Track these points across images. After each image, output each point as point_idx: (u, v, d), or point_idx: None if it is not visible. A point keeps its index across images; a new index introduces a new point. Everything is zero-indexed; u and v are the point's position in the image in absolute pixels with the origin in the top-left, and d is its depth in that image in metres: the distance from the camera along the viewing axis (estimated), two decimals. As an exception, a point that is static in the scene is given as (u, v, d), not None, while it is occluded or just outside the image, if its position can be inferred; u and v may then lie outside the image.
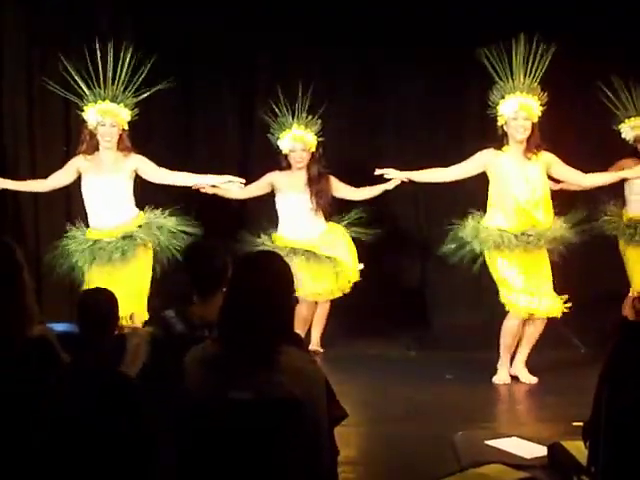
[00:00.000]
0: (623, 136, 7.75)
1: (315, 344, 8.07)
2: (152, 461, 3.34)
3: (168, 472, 3.22)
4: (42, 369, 3.50)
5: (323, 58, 8.57)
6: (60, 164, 7.53)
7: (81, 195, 7.33)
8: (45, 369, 3.51)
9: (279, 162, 7.90)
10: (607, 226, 7.70)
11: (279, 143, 7.84)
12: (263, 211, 8.08)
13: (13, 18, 8.19)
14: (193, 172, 7.48)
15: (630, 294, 7.68)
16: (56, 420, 3.40)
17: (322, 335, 8.13)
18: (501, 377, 7.04)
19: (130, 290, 6.93)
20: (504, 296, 6.97)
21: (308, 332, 8.05)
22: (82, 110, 7.27)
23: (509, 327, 7.01)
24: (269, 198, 7.96)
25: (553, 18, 7.85)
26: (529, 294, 6.91)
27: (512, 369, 7.09)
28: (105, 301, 4.20)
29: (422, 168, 7.31)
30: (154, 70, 7.33)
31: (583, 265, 7.45)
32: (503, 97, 6.93)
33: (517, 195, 6.88)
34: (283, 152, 7.85)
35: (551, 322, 7.08)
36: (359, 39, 8.51)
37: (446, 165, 7.17)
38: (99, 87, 7.21)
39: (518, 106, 6.86)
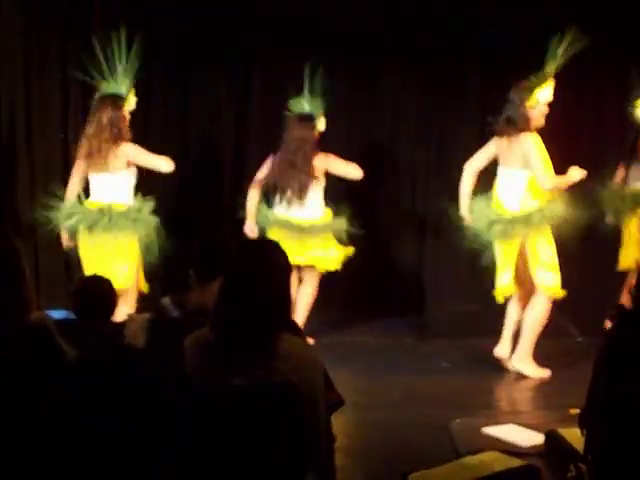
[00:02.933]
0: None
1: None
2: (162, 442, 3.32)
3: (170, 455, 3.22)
4: (40, 356, 3.50)
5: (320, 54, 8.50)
6: (57, 151, 7.49)
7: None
8: (43, 356, 3.51)
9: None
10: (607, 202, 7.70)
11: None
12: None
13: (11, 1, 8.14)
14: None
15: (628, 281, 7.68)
16: (64, 408, 3.37)
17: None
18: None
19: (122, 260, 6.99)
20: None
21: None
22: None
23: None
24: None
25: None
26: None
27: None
28: (103, 288, 4.19)
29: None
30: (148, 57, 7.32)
31: (579, 251, 7.41)
32: (540, 84, 6.90)
33: None
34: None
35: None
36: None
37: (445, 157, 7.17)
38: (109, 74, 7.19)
39: (550, 94, 6.91)
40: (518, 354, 6.93)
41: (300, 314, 7.77)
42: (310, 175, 7.56)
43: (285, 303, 3.43)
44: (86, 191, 7.22)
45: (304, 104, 7.71)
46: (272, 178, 7.68)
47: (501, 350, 7.01)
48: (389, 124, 8.98)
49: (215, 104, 8.85)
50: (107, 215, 7.02)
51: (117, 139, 7.01)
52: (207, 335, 3.37)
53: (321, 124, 7.69)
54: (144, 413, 2.85)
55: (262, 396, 3.20)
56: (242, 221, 7.71)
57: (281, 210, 7.66)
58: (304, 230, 7.57)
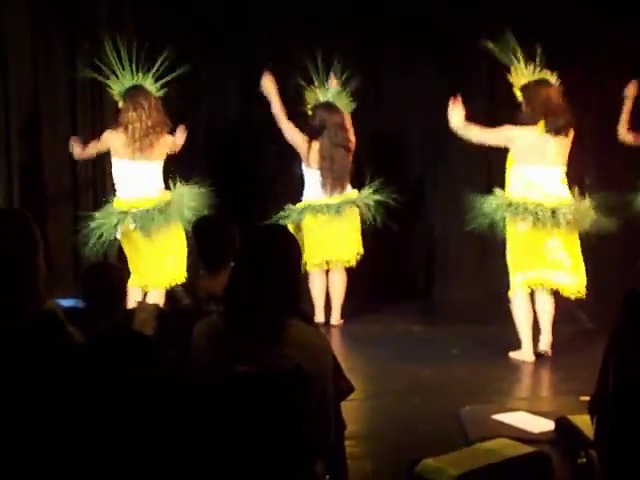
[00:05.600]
0: None
1: (335, 318, 8.03)
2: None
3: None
4: (50, 343, 3.49)
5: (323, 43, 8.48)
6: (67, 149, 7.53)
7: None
8: (53, 343, 3.50)
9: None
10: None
11: None
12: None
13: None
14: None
15: None
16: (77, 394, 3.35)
17: (342, 307, 8.06)
18: None
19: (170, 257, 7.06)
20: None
21: (328, 306, 8.06)
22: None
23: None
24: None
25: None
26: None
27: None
28: (114, 274, 4.20)
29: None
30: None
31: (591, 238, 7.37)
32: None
33: None
34: None
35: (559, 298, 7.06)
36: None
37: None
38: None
39: None
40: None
41: (336, 305, 7.99)
42: (350, 167, 7.86)
43: (295, 289, 3.42)
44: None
45: (326, 94, 7.86)
46: (308, 163, 7.87)
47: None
48: (397, 113, 9.01)
49: (223, 96, 8.90)
50: (156, 212, 7.00)
51: (165, 125, 7.07)
52: (217, 322, 3.37)
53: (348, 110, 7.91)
54: (149, 401, 2.83)
55: (272, 382, 3.20)
56: (251, 209, 7.80)
57: (318, 195, 7.83)
58: (339, 208, 7.76)
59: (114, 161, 7.16)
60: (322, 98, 7.91)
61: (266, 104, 7.85)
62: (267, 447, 3.25)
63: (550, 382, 6.61)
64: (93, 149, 7.26)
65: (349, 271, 8.04)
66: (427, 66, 8.86)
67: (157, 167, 7.12)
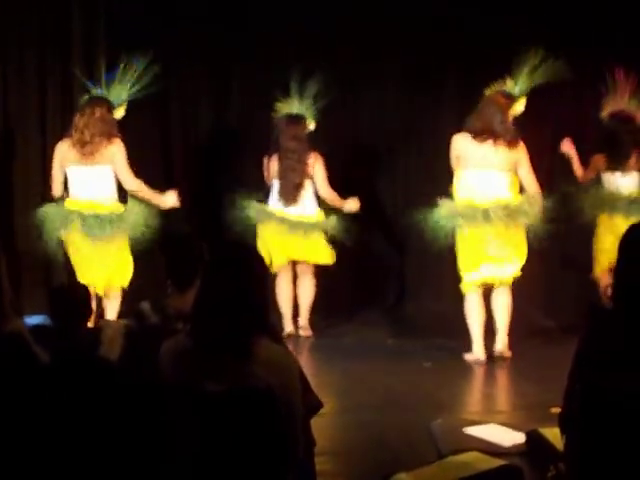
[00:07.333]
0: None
1: (303, 326, 8.05)
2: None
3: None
4: (16, 366, 3.46)
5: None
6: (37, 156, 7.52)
7: None
8: (19, 366, 3.48)
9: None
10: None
11: None
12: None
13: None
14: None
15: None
16: (41, 418, 3.34)
17: (312, 319, 8.08)
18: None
19: (116, 261, 7.17)
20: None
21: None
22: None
23: None
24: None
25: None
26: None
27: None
28: (79, 293, 4.17)
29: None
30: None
31: (554, 245, 7.46)
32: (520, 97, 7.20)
33: None
34: None
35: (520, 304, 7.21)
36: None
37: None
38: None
39: (523, 107, 7.22)
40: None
41: (303, 310, 8.02)
42: (304, 175, 7.84)
43: (263, 307, 3.41)
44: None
45: (293, 105, 7.91)
46: (268, 177, 7.96)
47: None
48: (370, 126, 9.02)
49: (196, 109, 8.89)
50: (106, 220, 7.07)
51: (109, 134, 7.11)
52: (184, 341, 3.35)
53: (311, 124, 7.92)
54: (115, 424, 2.83)
55: (239, 401, 3.18)
56: (217, 228, 7.81)
57: (276, 206, 7.87)
58: (297, 226, 7.79)
59: (64, 165, 7.26)
60: (289, 110, 7.94)
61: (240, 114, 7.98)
62: (236, 465, 3.23)
63: (521, 394, 6.59)
64: (55, 171, 7.30)
65: (322, 284, 8.04)
66: (396, 82, 8.89)
67: (103, 172, 7.17)
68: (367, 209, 8.06)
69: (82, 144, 7.08)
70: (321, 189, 7.90)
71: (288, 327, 7.99)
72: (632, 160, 7.71)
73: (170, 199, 7.33)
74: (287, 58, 8.19)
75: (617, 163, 7.73)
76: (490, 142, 7.00)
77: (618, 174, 7.76)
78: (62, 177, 7.27)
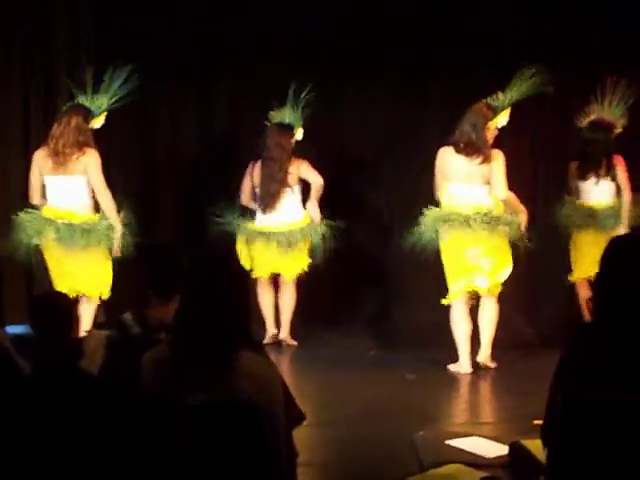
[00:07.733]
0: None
1: (284, 334, 8.07)
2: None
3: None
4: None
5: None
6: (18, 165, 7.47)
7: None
8: (1, 376, 3.46)
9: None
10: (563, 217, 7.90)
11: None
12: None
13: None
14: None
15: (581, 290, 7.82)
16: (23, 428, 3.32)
17: (293, 327, 8.10)
18: None
19: (92, 270, 7.15)
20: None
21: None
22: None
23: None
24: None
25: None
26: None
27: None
28: (61, 303, 4.14)
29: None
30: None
31: (537, 254, 7.49)
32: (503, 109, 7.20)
33: None
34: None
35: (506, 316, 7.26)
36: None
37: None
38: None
39: (506, 119, 7.22)
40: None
41: (285, 320, 8.03)
42: (283, 183, 7.88)
43: (245, 319, 3.40)
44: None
45: (284, 115, 7.98)
46: (252, 184, 8.00)
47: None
48: (355, 135, 9.02)
49: (180, 117, 8.88)
50: (79, 230, 7.06)
51: (82, 144, 7.09)
52: (165, 352, 3.34)
53: (299, 134, 8.00)
54: (91, 437, 2.81)
55: (221, 413, 3.17)
56: (200, 239, 7.80)
57: (259, 219, 7.94)
58: (281, 238, 7.84)
59: (42, 173, 7.25)
60: (281, 119, 8.01)
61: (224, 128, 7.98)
62: (217, 477, 3.22)
63: (504, 406, 6.60)
64: (34, 179, 7.28)
65: (304, 293, 8.04)
66: (382, 93, 8.90)
67: (77, 182, 7.14)
68: (352, 218, 8.06)
69: (55, 153, 7.09)
70: (314, 180, 7.98)
71: (271, 330, 8.04)
72: (603, 168, 7.72)
73: (119, 226, 7.24)
74: (271, 75, 8.24)
75: (587, 171, 7.76)
76: (473, 155, 7.02)
77: (591, 182, 7.79)
78: (40, 185, 7.26)
